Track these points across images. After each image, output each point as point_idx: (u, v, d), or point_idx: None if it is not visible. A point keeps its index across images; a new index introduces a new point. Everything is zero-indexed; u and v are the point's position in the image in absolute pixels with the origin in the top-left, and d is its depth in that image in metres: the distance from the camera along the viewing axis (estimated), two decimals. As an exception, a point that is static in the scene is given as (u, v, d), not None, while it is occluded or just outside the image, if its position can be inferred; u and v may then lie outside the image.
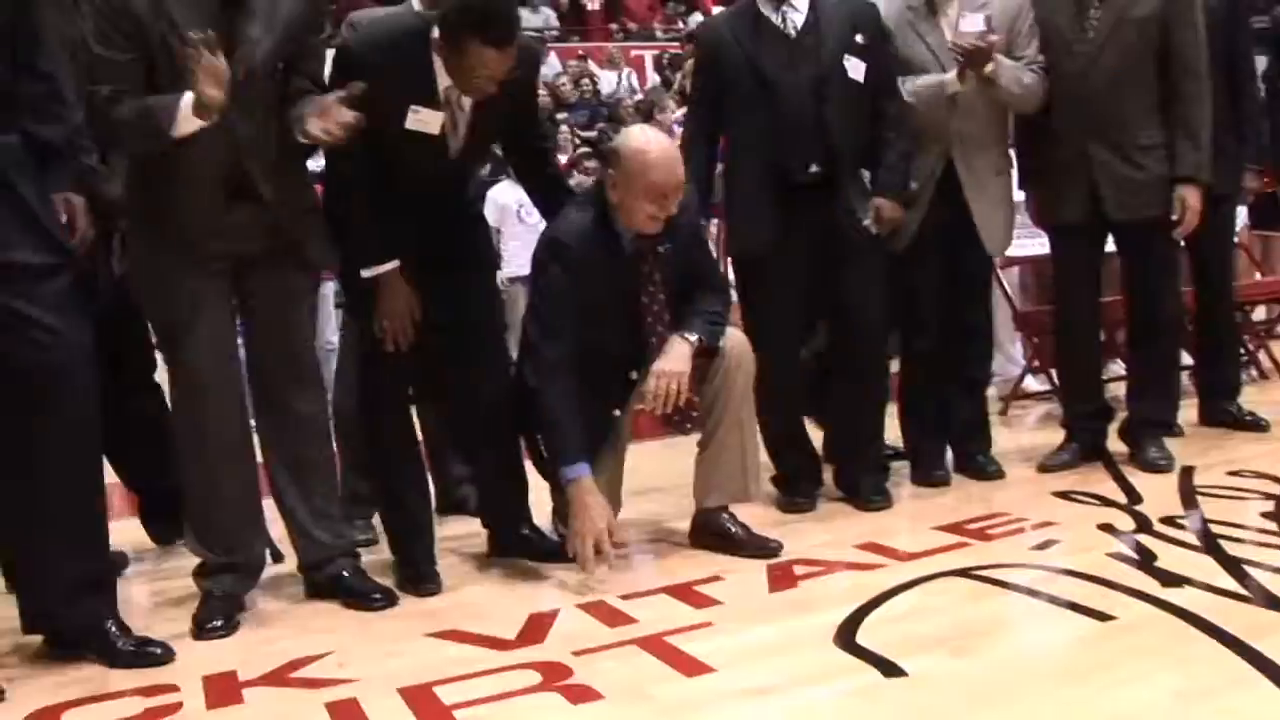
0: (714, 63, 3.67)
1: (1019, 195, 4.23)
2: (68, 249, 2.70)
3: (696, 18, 13.36)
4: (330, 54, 3.11)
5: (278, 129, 2.89)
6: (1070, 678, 2.29)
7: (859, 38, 3.56)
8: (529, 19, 14.24)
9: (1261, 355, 5.73)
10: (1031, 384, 5.49)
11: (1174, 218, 3.76)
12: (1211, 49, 3.85)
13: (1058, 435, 4.20)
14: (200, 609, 2.98)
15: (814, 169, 3.54)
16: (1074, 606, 2.66)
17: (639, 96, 11.77)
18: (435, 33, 2.94)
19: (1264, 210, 6.38)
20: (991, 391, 4.60)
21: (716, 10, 11.51)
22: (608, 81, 12.28)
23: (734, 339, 3.32)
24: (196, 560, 3.06)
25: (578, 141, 9.19)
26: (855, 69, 3.55)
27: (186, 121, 2.66)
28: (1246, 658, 2.30)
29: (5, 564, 2.96)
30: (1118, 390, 4.63)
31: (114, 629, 2.75)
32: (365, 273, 3.05)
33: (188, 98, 2.65)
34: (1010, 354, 5.60)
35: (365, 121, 2.75)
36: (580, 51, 12.49)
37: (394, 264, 3.05)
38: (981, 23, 3.72)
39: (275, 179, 2.90)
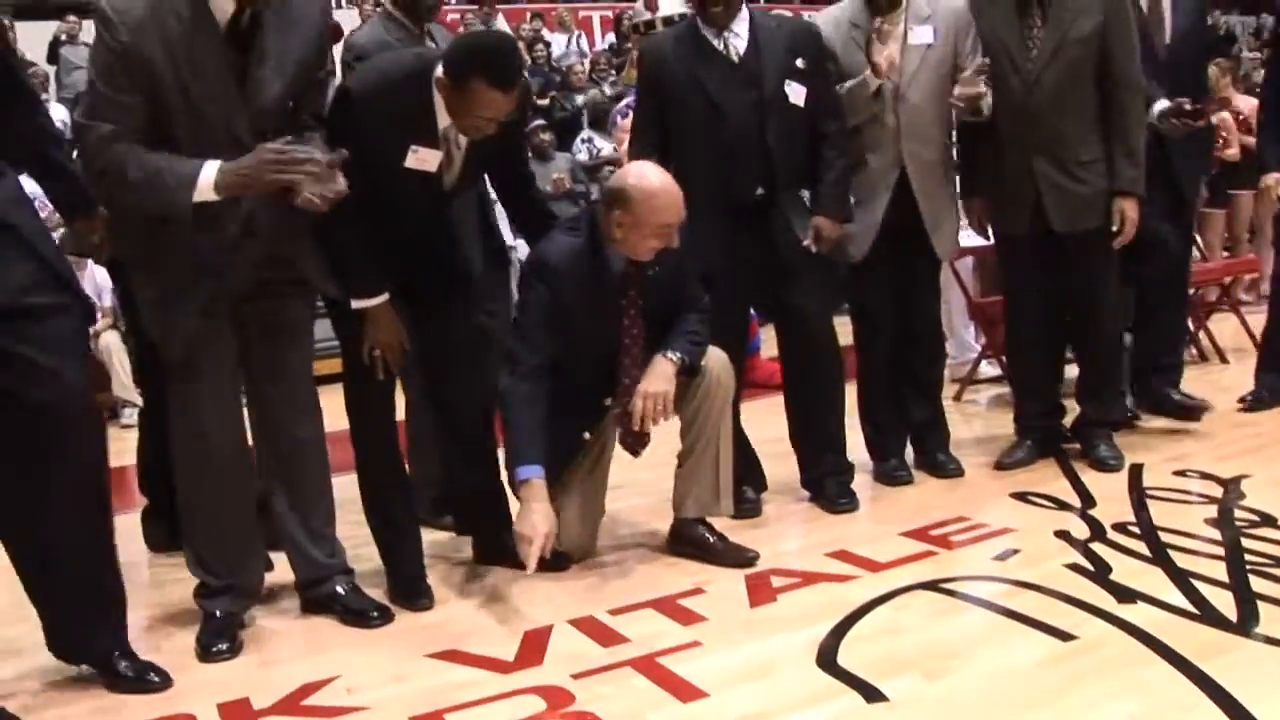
0: (658, 84, 3.76)
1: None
2: (73, 287, 2.73)
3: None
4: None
5: None
6: (1035, 703, 2.47)
7: (799, 62, 3.69)
8: (475, -21, 14.16)
9: (1202, 336, 5.99)
10: (985, 369, 5.70)
11: (1114, 229, 3.96)
12: (1182, 71, 4.05)
13: (1010, 419, 4.42)
14: (203, 630, 3.09)
15: (760, 192, 3.69)
16: (1036, 624, 2.85)
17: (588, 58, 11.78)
18: (438, 72, 3.02)
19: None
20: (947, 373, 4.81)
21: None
22: (558, 45, 12.26)
23: (714, 357, 3.46)
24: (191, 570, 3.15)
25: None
26: (796, 94, 3.69)
27: (205, 194, 2.73)
28: (1196, 681, 2.50)
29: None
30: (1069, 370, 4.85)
31: (118, 655, 2.86)
32: (356, 304, 3.15)
33: (208, 172, 2.71)
34: (964, 340, 5.82)
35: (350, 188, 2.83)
36: (529, 13, 12.44)
37: (384, 297, 3.15)
38: (930, 34, 3.87)
39: (280, 215, 2.95)
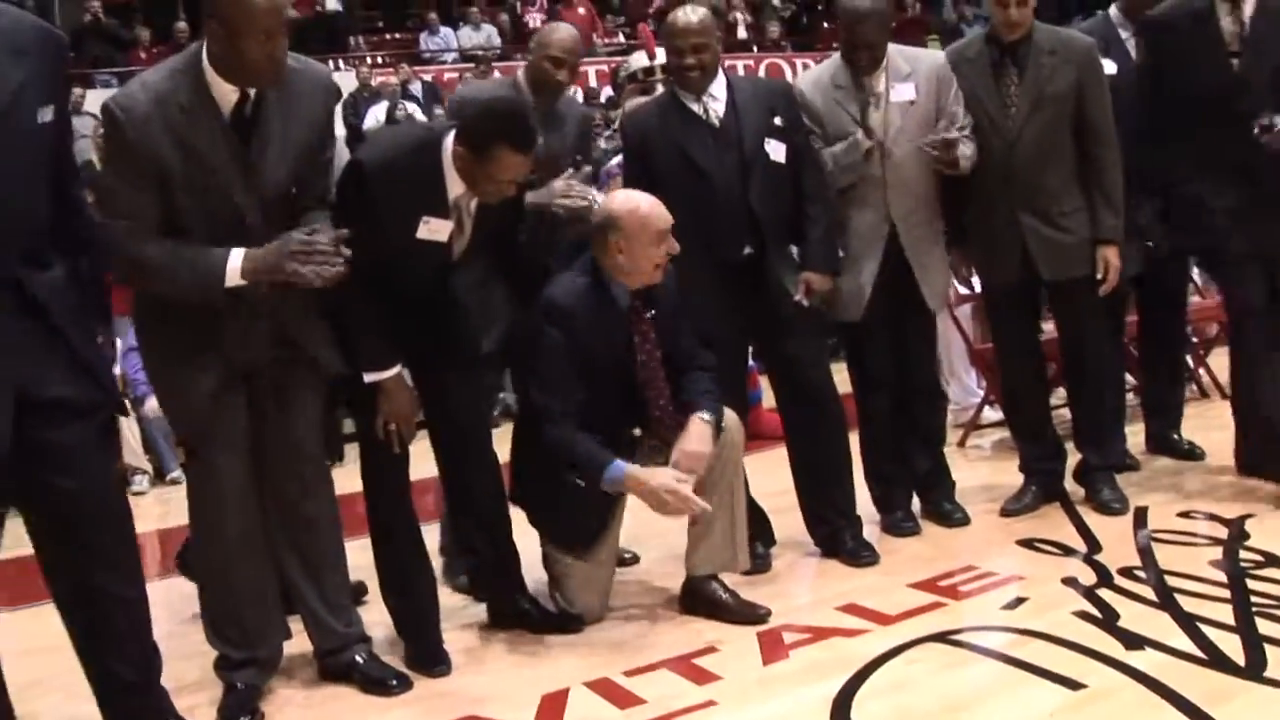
0: (644, 153, 3.84)
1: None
2: (103, 381, 2.71)
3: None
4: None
5: None
6: (1049, 756, 2.52)
7: (777, 120, 3.79)
8: (471, 36, 14.36)
9: (1201, 372, 6.04)
10: (989, 414, 5.75)
11: (1099, 276, 4.04)
12: None
13: (1014, 464, 4.44)
14: (224, 703, 3.12)
15: (747, 250, 3.77)
16: (1046, 674, 2.89)
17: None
18: (448, 142, 3.12)
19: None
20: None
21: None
22: (557, 100, 12.36)
23: (726, 416, 3.53)
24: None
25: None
26: (776, 151, 3.78)
27: (234, 280, 2.82)
28: (1206, 728, 2.55)
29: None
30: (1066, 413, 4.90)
31: None
32: (369, 377, 3.20)
33: (236, 259, 2.80)
34: (966, 384, 5.87)
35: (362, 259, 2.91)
36: (525, 70, 12.56)
37: (397, 369, 3.21)
38: (911, 91, 3.95)
39: (287, 296, 3.02)
